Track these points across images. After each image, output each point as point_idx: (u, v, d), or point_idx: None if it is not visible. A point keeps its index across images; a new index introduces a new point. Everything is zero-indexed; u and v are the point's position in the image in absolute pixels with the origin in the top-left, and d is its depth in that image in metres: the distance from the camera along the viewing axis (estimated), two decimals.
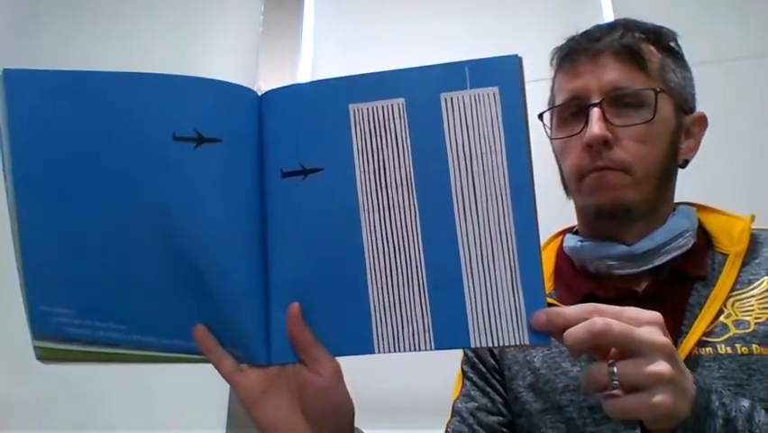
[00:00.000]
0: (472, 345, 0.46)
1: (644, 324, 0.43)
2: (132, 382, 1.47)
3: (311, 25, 1.78)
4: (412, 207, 0.48)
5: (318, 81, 0.51)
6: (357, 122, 0.49)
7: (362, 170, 0.49)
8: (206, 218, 0.47)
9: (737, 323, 0.60)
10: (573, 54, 0.70)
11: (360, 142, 0.49)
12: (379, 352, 0.48)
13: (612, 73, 0.66)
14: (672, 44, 0.72)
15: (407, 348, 0.47)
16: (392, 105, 0.49)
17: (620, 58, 0.66)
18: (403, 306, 0.48)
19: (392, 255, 0.48)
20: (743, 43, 1.55)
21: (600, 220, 0.69)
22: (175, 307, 0.50)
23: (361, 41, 1.75)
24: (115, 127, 0.47)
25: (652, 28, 0.71)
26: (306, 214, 0.49)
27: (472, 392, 0.74)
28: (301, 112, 0.50)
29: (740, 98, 1.51)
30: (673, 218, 0.68)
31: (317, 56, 1.75)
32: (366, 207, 0.48)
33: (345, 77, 0.50)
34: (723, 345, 0.59)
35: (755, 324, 0.60)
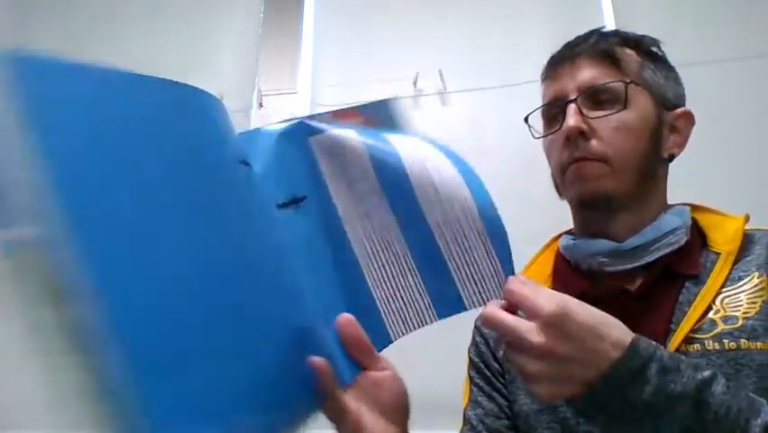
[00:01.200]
0: (468, 309, 0.52)
1: (532, 318, 0.46)
2: None
3: (311, 25, 1.78)
4: (386, 209, 0.53)
5: (278, 128, 0.54)
6: (319, 151, 0.54)
7: (336, 190, 0.53)
8: (266, 249, 0.46)
9: (725, 319, 0.60)
10: (555, 63, 0.74)
11: (327, 167, 0.53)
12: (395, 339, 0.53)
13: (587, 72, 0.69)
14: (654, 49, 0.74)
15: (417, 326, 0.53)
16: (345, 129, 0.53)
17: (596, 59, 0.70)
18: (402, 293, 0.53)
19: (381, 254, 0.53)
20: (743, 43, 1.55)
21: (584, 211, 0.71)
22: (283, 368, 0.43)
23: (361, 41, 1.75)
24: (182, 142, 0.40)
25: (632, 36, 0.74)
26: (306, 239, 0.53)
27: (479, 398, 0.75)
28: (276, 149, 0.53)
29: (741, 98, 1.51)
30: (665, 216, 0.69)
31: (317, 56, 1.75)
32: (348, 221, 0.53)
33: (298, 118, 0.55)
34: (711, 342, 0.59)
35: (743, 319, 0.60)
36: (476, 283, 0.52)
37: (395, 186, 0.52)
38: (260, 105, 1.64)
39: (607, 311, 0.47)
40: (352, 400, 0.50)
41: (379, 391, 0.52)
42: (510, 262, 0.51)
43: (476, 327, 0.80)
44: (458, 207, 0.51)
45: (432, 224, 0.52)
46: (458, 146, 0.55)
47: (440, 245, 0.52)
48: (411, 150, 0.53)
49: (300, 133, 0.53)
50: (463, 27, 1.70)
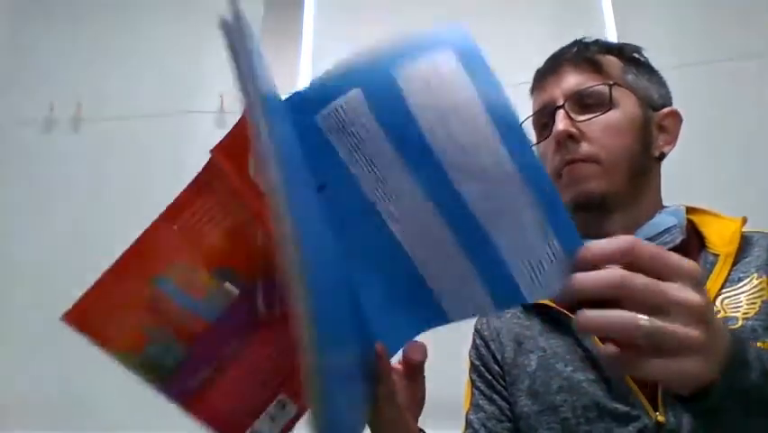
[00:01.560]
0: (529, 301, 0.44)
1: (678, 277, 0.37)
2: (133, 383, 1.46)
3: (311, 25, 1.78)
4: (413, 188, 0.46)
5: (284, 100, 0.49)
6: (329, 129, 0.47)
7: (357, 170, 0.47)
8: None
9: (725, 320, 0.61)
10: (541, 75, 0.76)
11: (341, 147, 0.47)
12: (454, 320, 0.48)
13: (572, 79, 0.72)
14: (636, 55, 0.76)
15: (474, 313, 0.48)
16: (349, 100, 0.46)
17: (579, 67, 0.72)
18: (455, 277, 0.46)
19: (421, 236, 0.47)
20: (743, 43, 1.55)
21: (581, 213, 0.71)
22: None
23: (361, 40, 1.75)
24: None
25: (614, 44, 0.77)
26: (344, 224, 0.48)
27: (481, 402, 0.75)
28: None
29: (741, 99, 1.51)
30: (660, 215, 0.70)
31: (317, 56, 1.75)
32: (379, 202, 0.47)
33: (296, 92, 0.48)
34: None
35: (743, 319, 0.61)
36: (534, 271, 0.42)
37: (416, 157, 0.45)
38: None
39: None
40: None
41: (409, 386, 0.55)
42: (573, 237, 0.40)
43: (476, 329, 0.80)
44: (494, 172, 0.42)
45: (468, 199, 0.44)
46: None
47: (482, 224, 0.43)
48: (427, 103, 0.44)
49: (307, 111, 0.48)
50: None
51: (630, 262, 0.37)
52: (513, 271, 0.43)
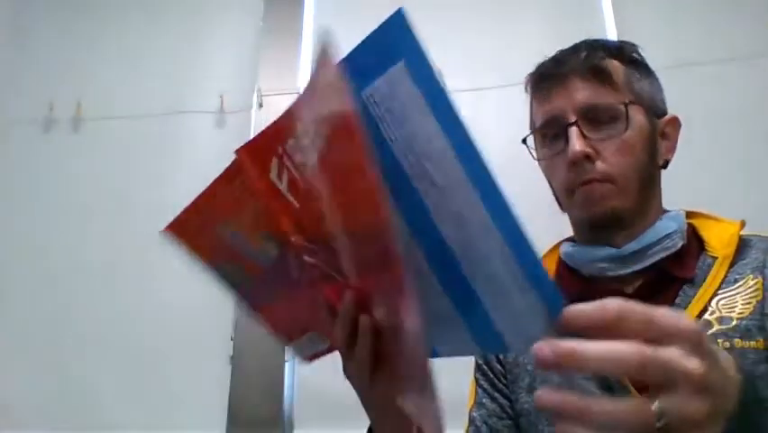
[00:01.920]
0: (511, 353, 0.40)
1: (676, 340, 0.33)
2: (132, 383, 1.47)
3: (311, 25, 1.78)
4: (399, 220, 0.44)
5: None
6: None
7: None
8: None
9: (720, 319, 0.62)
10: (543, 81, 0.74)
11: None
12: (441, 355, 0.48)
13: (582, 93, 0.69)
14: (635, 55, 0.75)
15: (463, 353, 0.48)
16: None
17: (587, 78, 0.70)
18: (441, 317, 0.45)
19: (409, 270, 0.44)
20: (744, 43, 1.55)
21: (594, 230, 0.72)
22: None
23: (360, 40, 1.75)
24: None
25: (613, 44, 0.75)
26: None
27: (483, 400, 0.77)
28: None
29: (741, 99, 1.51)
30: (661, 221, 0.71)
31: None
32: None
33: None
34: None
35: (737, 319, 0.62)
36: (516, 321, 0.40)
37: (399, 193, 0.42)
38: (260, 106, 1.64)
39: None
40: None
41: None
42: (551, 292, 0.38)
43: None
44: (470, 216, 0.39)
45: (450, 243, 0.42)
46: None
47: (457, 259, 0.42)
48: (402, 138, 0.42)
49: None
50: (462, 26, 1.71)
51: (616, 328, 0.34)
52: (497, 322, 0.41)
